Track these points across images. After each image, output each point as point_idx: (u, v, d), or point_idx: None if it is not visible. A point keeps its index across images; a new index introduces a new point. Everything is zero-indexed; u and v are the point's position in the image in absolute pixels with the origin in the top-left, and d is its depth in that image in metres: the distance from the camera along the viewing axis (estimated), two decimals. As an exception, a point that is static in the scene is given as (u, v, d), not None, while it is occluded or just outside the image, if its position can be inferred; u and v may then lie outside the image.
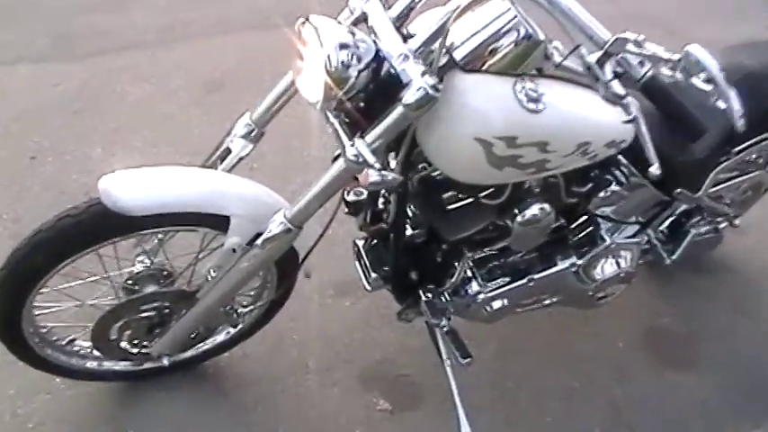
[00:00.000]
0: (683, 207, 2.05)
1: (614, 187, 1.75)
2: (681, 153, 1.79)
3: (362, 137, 1.29)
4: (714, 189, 2.01)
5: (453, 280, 1.76)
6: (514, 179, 1.50)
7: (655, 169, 1.37)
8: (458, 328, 1.76)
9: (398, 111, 1.24)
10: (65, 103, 2.96)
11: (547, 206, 1.62)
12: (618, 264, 1.88)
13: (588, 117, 1.45)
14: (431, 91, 1.20)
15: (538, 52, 1.33)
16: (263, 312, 1.81)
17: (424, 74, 1.20)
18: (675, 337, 2.15)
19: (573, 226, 1.85)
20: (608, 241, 1.83)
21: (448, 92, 1.27)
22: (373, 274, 1.78)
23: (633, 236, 1.91)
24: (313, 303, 2.09)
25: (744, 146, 1.90)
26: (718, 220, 2.15)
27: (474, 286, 1.76)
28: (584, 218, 1.84)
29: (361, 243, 1.83)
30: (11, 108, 2.91)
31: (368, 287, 1.79)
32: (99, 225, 1.40)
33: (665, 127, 1.78)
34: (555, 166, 1.47)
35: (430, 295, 1.76)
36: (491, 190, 1.60)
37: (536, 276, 1.79)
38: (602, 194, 1.75)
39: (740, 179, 2.06)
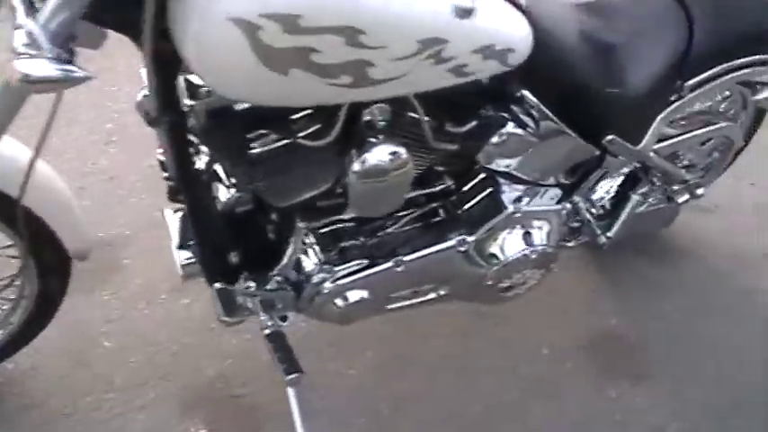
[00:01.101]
0: (626, 168, 1.54)
1: (513, 129, 1.25)
2: (611, 82, 1.30)
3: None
4: (665, 144, 1.50)
5: (285, 262, 1.25)
6: (324, 97, 0.99)
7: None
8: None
9: None
10: None
11: (401, 151, 1.11)
12: (528, 240, 1.36)
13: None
14: None
15: None
16: (32, 308, 1.31)
17: None
18: (621, 342, 1.62)
19: (466, 188, 1.35)
20: (509, 209, 1.32)
21: None
22: (182, 254, 1.28)
23: (551, 203, 1.41)
24: (140, 302, 1.59)
25: (700, 78, 1.40)
26: (675, 189, 1.64)
27: (316, 271, 1.25)
28: (482, 177, 1.34)
29: (169, 213, 1.34)
30: None
31: (180, 272, 1.30)
32: None
33: (589, 48, 1.35)
34: (387, 76, 0.97)
35: (251, 284, 1.25)
36: (317, 126, 1.10)
37: (406, 258, 1.28)
38: (495, 140, 1.25)
39: (700, 132, 1.55)
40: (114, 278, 1.63)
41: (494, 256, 1.34)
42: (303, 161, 1.12)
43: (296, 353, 1.33)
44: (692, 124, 1.57)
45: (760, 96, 1.55)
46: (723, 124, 1.59)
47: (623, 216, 1.47)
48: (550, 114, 1.27)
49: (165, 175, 1.29)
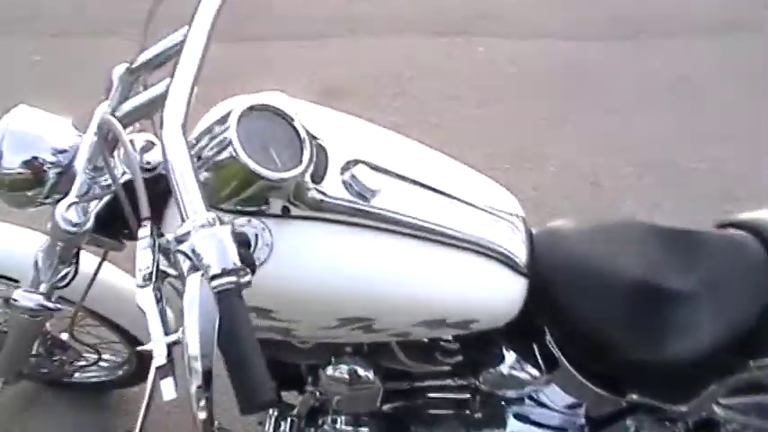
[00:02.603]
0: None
1: (511, 369, 1.21)
2: (647, 349, 1.14)
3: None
4: (738, 400, 1.28)
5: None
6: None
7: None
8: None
9: None
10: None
11: (367, 374, 1.18)
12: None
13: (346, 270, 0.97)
14: None
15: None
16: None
17: None
18: None
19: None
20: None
21: None
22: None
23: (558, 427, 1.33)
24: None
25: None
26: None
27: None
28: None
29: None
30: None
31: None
32: None
33: (626, 297, 1.17)
34: (314, 336, 1.10)
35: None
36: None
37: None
38: (492, 371, 1.22)
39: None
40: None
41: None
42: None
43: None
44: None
45: None
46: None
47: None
48: (566, 363, 1.19)
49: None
